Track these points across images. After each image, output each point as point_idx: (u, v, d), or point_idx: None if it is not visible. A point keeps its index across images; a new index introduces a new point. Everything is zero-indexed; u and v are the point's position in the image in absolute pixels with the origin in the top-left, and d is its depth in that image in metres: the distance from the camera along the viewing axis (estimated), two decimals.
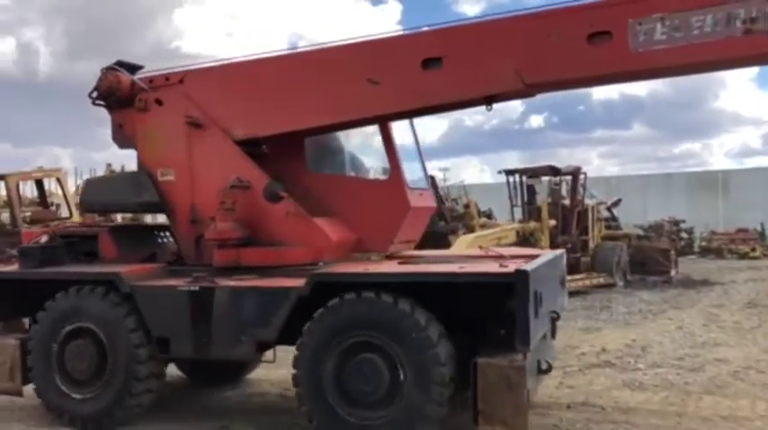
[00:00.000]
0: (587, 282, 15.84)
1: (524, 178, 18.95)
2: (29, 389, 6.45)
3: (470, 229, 16.86)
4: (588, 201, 18.92)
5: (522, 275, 4.78)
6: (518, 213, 18.88)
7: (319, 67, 6.28)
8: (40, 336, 6.23)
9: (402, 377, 5.06)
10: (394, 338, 5.07)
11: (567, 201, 18.20)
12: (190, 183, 6.65)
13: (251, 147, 6.77)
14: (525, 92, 5.76)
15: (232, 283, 5.75)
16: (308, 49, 6.54)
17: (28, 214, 14.50)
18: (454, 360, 5.12)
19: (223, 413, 6.64)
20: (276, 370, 6.79)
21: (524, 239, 15.94)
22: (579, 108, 75.19)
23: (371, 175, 6.98)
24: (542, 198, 18.39)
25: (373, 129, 6.72)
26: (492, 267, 5.26)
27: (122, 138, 7.09)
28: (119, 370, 5.89)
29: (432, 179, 19.36)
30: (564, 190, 18.88)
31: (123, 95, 6.88)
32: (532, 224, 16.60)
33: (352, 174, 7.05)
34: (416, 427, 5.03)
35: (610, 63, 5.33)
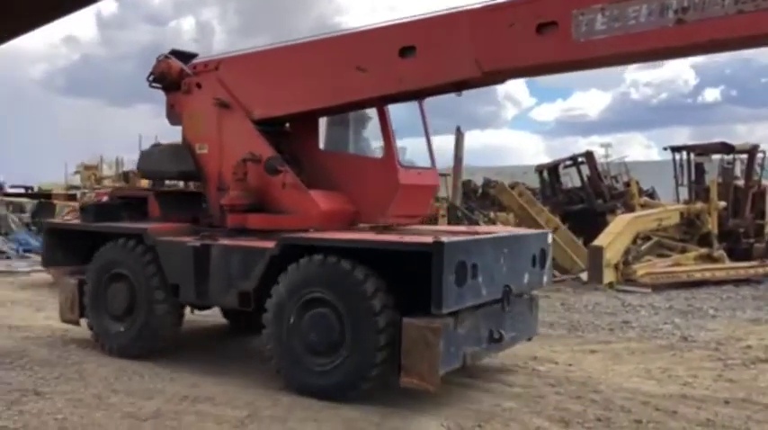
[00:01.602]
0: (760, 270, 14.62)
1: (692, 156, 18.16)
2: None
3: (630, 209, 16.59)
4: (766, 182, 17.81)
5: (438, 247, 5.29)
6: (684, 193, 18.18)
7: (318, 55, 7.05)
8: (90, 279, 7.62)
9: (345, 326, 5.77)
10: (338, 293, 5.79)
11: (740, 182, 17.27)
12: (219, 155, 7.72)
13: (274, 127, 7.70)
14: (483, 80, 6.16)
15: (225, 242, 6.73)
16: (310, 39, 7.29)
17: None
18: (392, 312, 5.69)
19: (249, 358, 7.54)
20: None
21: (689, 222, 15.62)
22: (762, 80, 68.22)
23: (369, 154, 7.62)
24: (712, 178, 17.42)
25: (373, 112, 7.37)
26: (420, 239, 5.79)
27: (173, 116, 8.29)
28: (141, 307, 7.12)
29: (589, 155, 19.58)
30: (738, 170, 17.90)
31: (173, 80, 8.06)
32: (699, 205, 15.91)
33: (354, 152, 7.75)
34: (360, 370, 5.72)
35: (556, 52, 5.62)
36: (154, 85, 8.26)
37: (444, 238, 5.42)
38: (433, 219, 17.59)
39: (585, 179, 19.36)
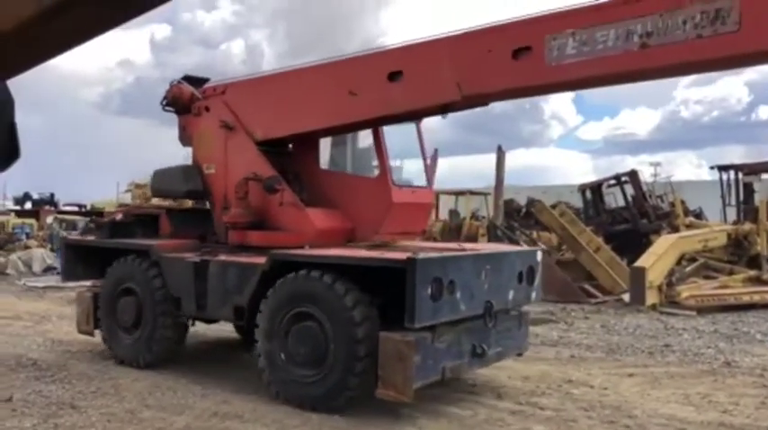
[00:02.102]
0: None
1: (741, 175, 17.95)
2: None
3: (675, 229, 16.45)
4: None
5: (411, 263, 5.51)
6: (732, 214, 17.88)
7: (314, 80, 7.38)
8: (103, 293, 8.06)
9: (328, 339, 6.01)
10: (321, 306, 6.05)
11: None
12: (224, 175, 8.09)
13: (277, 147, 8.06)
14: (464, 103, 6.37)
15: (222, 258, 7.08)
16: (307, 65, 7.63)
17: None
18: (372, 325, 5.91)
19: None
20: None
21: (737, 243, 15.30)
22: None
23: (365, 173, 7.88)
24: (762, 197, 17.12)
25: (369, 133, 7.66)
26: (396, 255, 6.01)
27: (185, 138, 8.72)
28: (148, 320, 7.50)
29: (633, 174, 19.38)
30: None
31: (184, 103, 8.50)
32: (747, 226, 15.61)
33: (351, 171, 8.03)
34: (341, 381, 5.95)
35: (530, 76, 5.81)
36: (167, 108, 8.71)
37: (420, 255, 5.64)
38: (473, 238, 17.81)
39: (630, 199, 19.16)
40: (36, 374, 7.38)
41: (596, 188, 20.18)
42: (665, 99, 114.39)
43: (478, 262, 6.33)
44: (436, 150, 29.11)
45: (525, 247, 7.52)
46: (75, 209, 28.96)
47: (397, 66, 6.62)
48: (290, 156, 8.24)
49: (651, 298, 12.39)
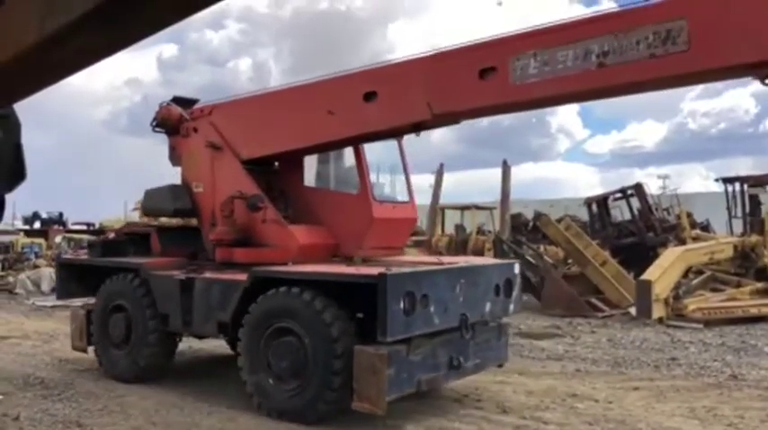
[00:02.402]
0: None
1: (746, 187, 17.94)
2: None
3: (682, 242, 16.44)
4: None
5: (382, 278, 5.69)
6: (739, 226, 17.83)
7: (295, 100, 7.61)
8: (96, 310, 8.29)
9: (307, 353, 6.20)
10: (300, 322, 6.24)
11: None
12: (212, 193, 8.32)
13: (263, 166, 8.28)
14: (435, 121, 6.57)
15: (207, 275, 7.29)
16: (288, 85, 7.86)
17: None
18: (349, 340, 6.08)
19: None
20: None
21: (744, 255, 15.22)
22: None
23: (347, 190, 8.07)
24: None
25: (351, 151, 7.86)
26: (368, 271, 6.19)
27: (174, 158, 8.96)
28: (137, 336, 7.72)
29: (638, 187, 19.44)
30: None
31: (173, 124, 8.74)
32: (753, 238, 15.52)
33: (334, 188, 8.23)
34: (319, 394, 6.13)
35: (496, 95, 6.00)
36: (157, 129, 8.95)
37: (392, 270, 5.82)
38: (480, 253, 17.93)
39: (636, 212, 19.16)
40: (43, 393, 7.49)
41: (602, 201, 20.19)
42: (672, 111, 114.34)
43: (452, 275, 6.50)
44: (442, 165, 29.07)
45: (502, 260, 7.67)
46: (84, 228, 29.33)
47: (371, 86, 6.82)
48: (275, 174, 8.46)
49: (658, 311, 12.32)
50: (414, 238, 24.68)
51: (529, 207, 29.39)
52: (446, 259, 7.57)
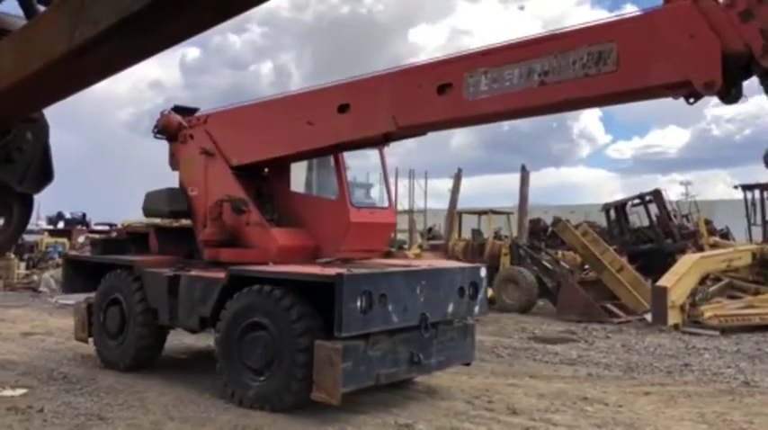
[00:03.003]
0: None
1: (766, 194, 18.00)
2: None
3: (700, 249, 16.51)
4: None
5: (339, 278, 6.16)
6: (758, 234, 17.93)
7: (279, 111, 8.12)
8: (95, 304, 8.92)
9: (276, 347, 6.68)
10: (270, 318, 6.73)
11: None
12: (205, 197, 8.88)
13: (254, 172, 8.81)
14: (400, 133, 7.01)
15: (191, 273, 7.83)
16: (274, 96, 8.38)
17: None
18: (313, 335, 6.53)
19: None
20: None
21: (763, 262, 15.30)
22: None
23: (327, 196, 8.55)
24: None
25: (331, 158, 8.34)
26: (328, 271, 6.64)
27: (174, 163, 9.56)
28: (130, 329, 8.32)
29: (657, 193, 19.50)
30: None
31: (172, 131, 9.35)
32: None
33: (316, 194, 8.72)
34: (284, 385, 6.61)
35: (451, 110, 6.42)
36: (158, 136, 9.56)
37: (350, 271, 6.28)
38: (496, 257, 18.19)
39: (654, 218, 19.22)
40: (66, 387, 7.75)
41: (620, 207, 20.22)
42: (696, 117, 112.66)
43: (412, 277, 6.93)
44: (460, 170, 29.00)
45: (468, 264, 8.08)
46: (107, 228, 30.30)
47: (345, 99, 7.29)
48: (265, 179, 8.98)
49: (673, 317, 12.27)
50: (430, 243, 25.19)
51: (549, 212, 29.45)
52: (415, 262, 7.99)
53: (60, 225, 29.04)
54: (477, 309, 7.73)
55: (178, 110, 9.58)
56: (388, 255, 12.90)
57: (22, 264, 22.17)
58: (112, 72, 3.36)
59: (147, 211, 9.55)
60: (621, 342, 11.65)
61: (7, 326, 12.77)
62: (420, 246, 24.33)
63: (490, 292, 15.76)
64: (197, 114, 9.37)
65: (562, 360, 10.02)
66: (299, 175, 8.82)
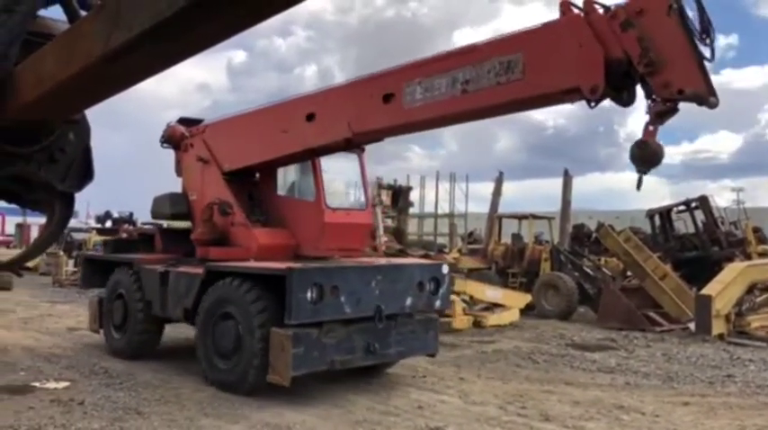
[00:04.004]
0: None
1: None
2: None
3: (748, 257, 16.32)
4: None
5: (289, 272, 6.81)
6: None
7: (261, 120, 8.86)
8: (105, 298, 9.87)
9: (241, 335, 7.39)
10: (237, 308, 7.45)
11: None
12: (201, 200, 9.70)
13: (246, 177, 9.59)
14: (356, 140, 7.60)
15: (179, 269, 8.65)
16: (258, 107, 9.10)
17: None
18: (273, 325, 7.19)
19: None
20: None
21: None
22: None
23: (307, 199, 9.19)
24: None
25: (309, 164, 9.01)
26: (282, 266, 7.28)
27: (179, 170, 10.44)
28: (130, 319, 9.21)
29: (704, 199, 19.21)
30: None
31: (176, 141, 10.23)
32: None
33: (297, 197, 9.39)
34: (246, 369, 7.30)
35: (394, 117, 6.99)
36: (165, 145, 10.47)
37: (300, 265, 6.93)
38: (536, 262, 18.36)
39: (700, 225, 18.91)
40: (106, 381, 8.06)
41: (665, 214, 19.92)
42: (749, 123, 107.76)
43: (367, 272, 7.51)
44: (501, 173, 29.19)
45: (429, 261, 8.58)
46: (152, 227, 31.41)
47: (312, 109, 7.96)
48: (255, 184, 9.74)
49: (718, 327, 12.14)
50: (470, 247, 25.39)
51: (594, 218, 29.16)
52: (382, 260, 8.53)
53: (108, 224, 30.14)
54: (438, 303, 8.23)
55: (183, 121, 10.45)
56: (426, 257, 13.52)
57: (71, 262, 23.01)
58: (147, 75, 3.57)
59: (154, 214, 10.45)
60: (662, 351, 11.41)
61: (54, 321, 13.54)
62: (459, 250, 24.65)
63: (529, 298, 16.10)
64: (202, 125, 10.22)
65: (600, 368, 9.87)
66: (284, 180, 9.52)
